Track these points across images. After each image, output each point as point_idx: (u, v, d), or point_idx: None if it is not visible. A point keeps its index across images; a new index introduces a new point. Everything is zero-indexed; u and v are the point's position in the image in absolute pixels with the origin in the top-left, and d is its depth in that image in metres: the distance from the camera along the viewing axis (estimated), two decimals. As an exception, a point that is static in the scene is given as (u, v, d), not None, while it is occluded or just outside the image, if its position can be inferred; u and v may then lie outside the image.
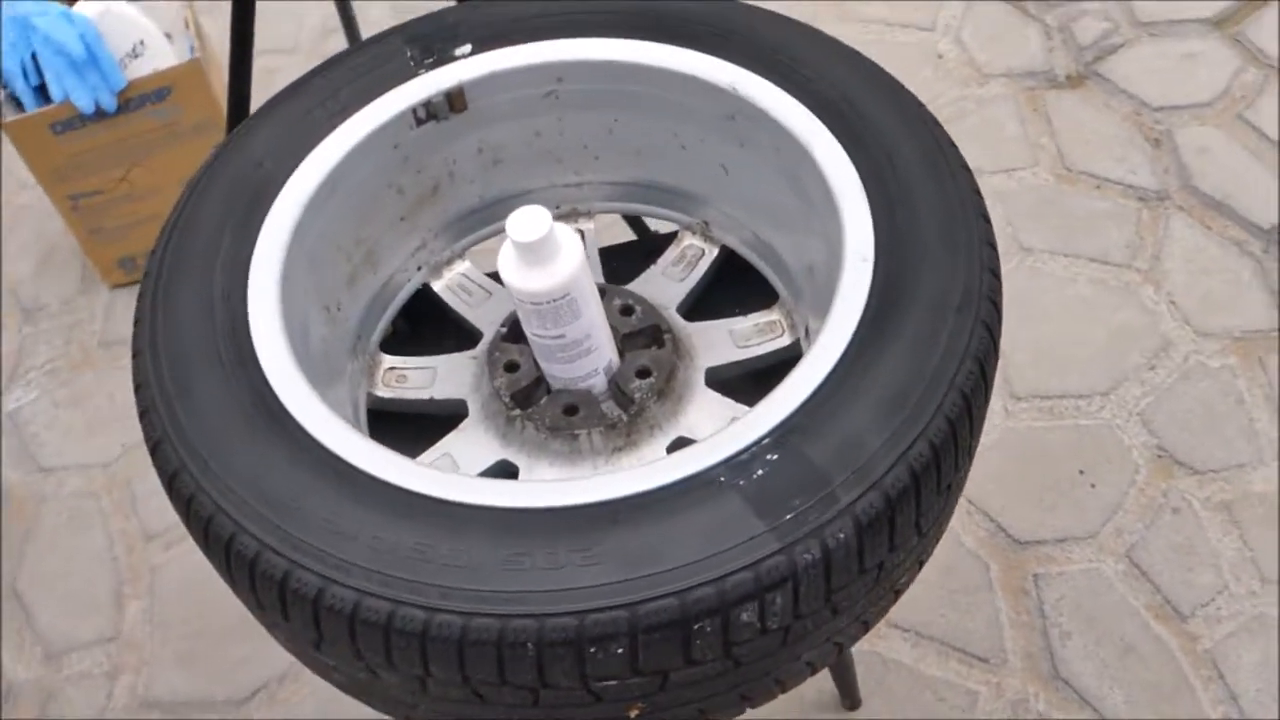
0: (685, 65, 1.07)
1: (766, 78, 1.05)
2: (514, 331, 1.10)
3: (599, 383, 1.06)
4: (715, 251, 1.19)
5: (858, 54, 1.08)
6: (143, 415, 0.90)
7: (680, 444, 1.04)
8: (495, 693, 0.79)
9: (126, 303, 2.02)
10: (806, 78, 1.04)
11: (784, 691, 0.90)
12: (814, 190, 1.01)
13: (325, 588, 0.78)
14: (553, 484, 0.84)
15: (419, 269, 1.19)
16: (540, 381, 1.07)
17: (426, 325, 1.20)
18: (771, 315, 1.14)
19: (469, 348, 1.14)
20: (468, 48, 1.11)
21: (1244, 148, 2.00)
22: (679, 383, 1.07)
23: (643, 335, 1.09)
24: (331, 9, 1.60)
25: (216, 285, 0.96)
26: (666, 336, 1.08)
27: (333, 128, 1.06)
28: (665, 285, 1.17)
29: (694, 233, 1.21)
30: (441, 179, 1.16)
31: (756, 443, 0.82)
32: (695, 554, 0.76)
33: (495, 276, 1.21)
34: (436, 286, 1.20)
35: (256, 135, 1.06)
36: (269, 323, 0.94)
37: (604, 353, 1.04)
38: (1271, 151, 1.98)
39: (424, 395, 1.12)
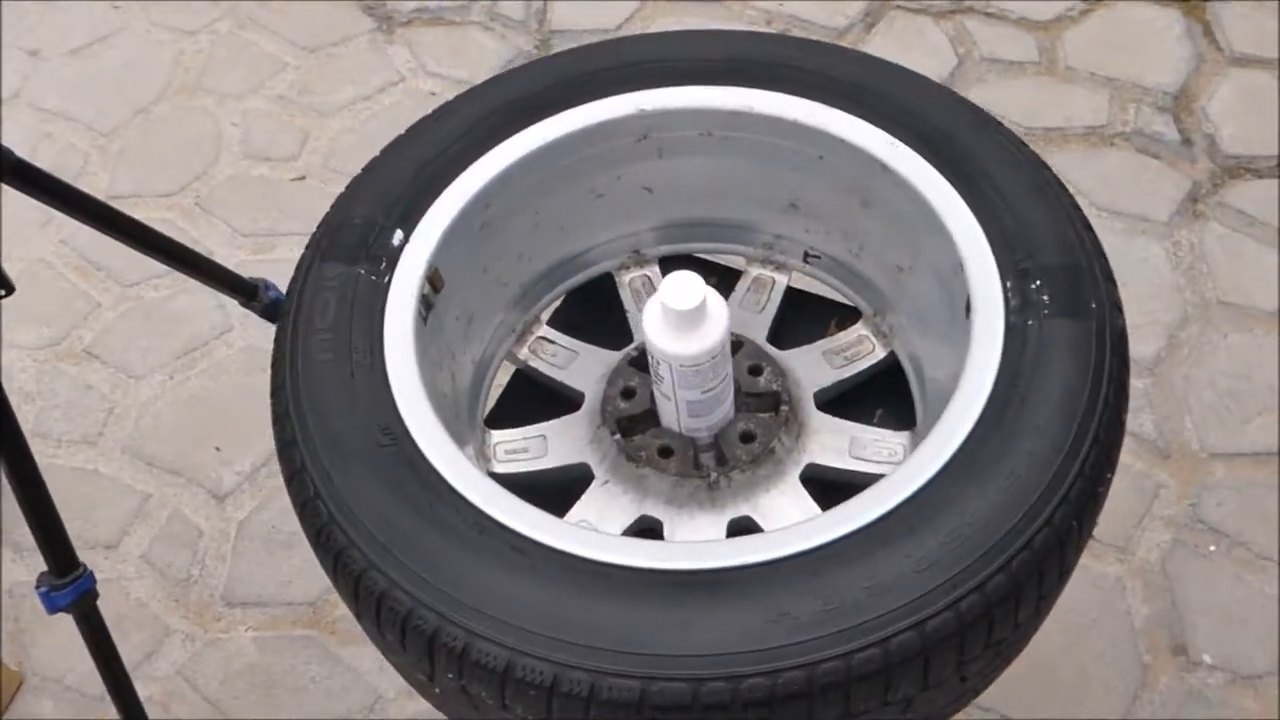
0: (591, 117, 1.10)
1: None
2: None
3: (732, 413, 1.09)
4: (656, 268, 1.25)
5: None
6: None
7: (835, 400, 1.12)
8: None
9: None
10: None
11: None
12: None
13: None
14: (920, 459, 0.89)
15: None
16: (690, 444, 1.07)
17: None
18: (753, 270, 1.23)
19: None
20: (399, 234, 1.03)
21: None
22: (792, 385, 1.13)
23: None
24: None
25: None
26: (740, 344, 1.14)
27: (379, 372, 0.95)
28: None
29: (627, 268, 1.24)
30: (449, 364, 1.08)
31: (1009, 302, 0.94)
32: (1076, 380, 0.89)
33: (493, 422, 1.15)
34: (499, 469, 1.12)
35: (333, 414, 0.91)
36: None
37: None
38: None
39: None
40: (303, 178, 2.11)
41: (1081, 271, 0.95)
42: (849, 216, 1.14)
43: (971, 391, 0.90)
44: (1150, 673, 1.52)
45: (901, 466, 0.88)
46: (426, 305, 1.02)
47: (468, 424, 1.10)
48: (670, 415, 1.06)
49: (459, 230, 1.06)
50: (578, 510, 1.07)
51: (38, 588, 1.19)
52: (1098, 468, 0.86)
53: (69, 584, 1.18)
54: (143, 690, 1.57)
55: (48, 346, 1.93)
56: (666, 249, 1.25)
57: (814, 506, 1.06)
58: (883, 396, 1.17)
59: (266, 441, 1.79)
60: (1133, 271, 1.86)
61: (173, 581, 1.67)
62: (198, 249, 2.03)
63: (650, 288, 1.23)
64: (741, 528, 1.05)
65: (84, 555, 1.67)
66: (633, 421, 1.10)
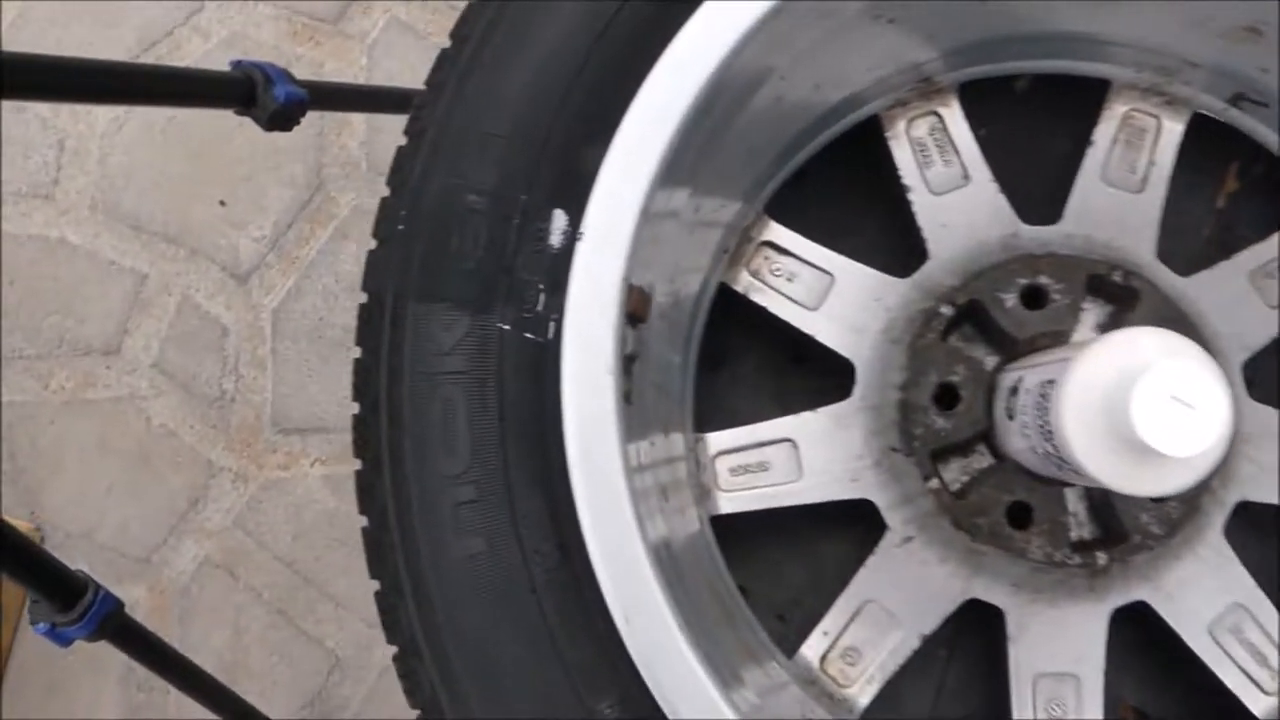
0: None
1: None
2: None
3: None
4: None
5: None
6: None
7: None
8: None
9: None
10: None
11: None
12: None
13: None
14: None
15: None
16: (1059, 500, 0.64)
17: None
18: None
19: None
20: (561, 221, 0.52)
21: None
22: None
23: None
24: None
25: None
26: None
27: (582, 571, 0.51)
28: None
29: (905, 106, 0.71)
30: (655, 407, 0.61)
31: None
32: None
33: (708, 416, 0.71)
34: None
35: (512, 692, 0.49)
36: None
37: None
38: None
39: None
40: None
41: None
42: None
43: None
44: None
45: None
46: (629, 364, 0.54)
47: (673, 425, 0.65)
48: (1028, 456, 0.62)
49: (671, 173, 0.54)
50: (861, 585, 0.67)
51: (33, 623, 0.82)
52: None
53: (80, 616, 0.81)
54: (198, 549, 1.26)
55: (-52, 46, 1.36)
56: (974, 71, 0.71)
57: (1243, 575, 0.66)
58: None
59: (285, 188, 1.32)
60: None
61: (203, 400, 1.28)
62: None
63: (944, 137, 0.72)
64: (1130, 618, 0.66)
65: (79, 364, 1.30)
66: (954, 450, 0.66)
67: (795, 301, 0.71)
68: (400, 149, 0.54)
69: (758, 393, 0.72)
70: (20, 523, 1.26)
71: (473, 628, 0.49)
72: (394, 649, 0.53)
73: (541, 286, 0.51)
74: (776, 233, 0.71)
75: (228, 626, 1.22)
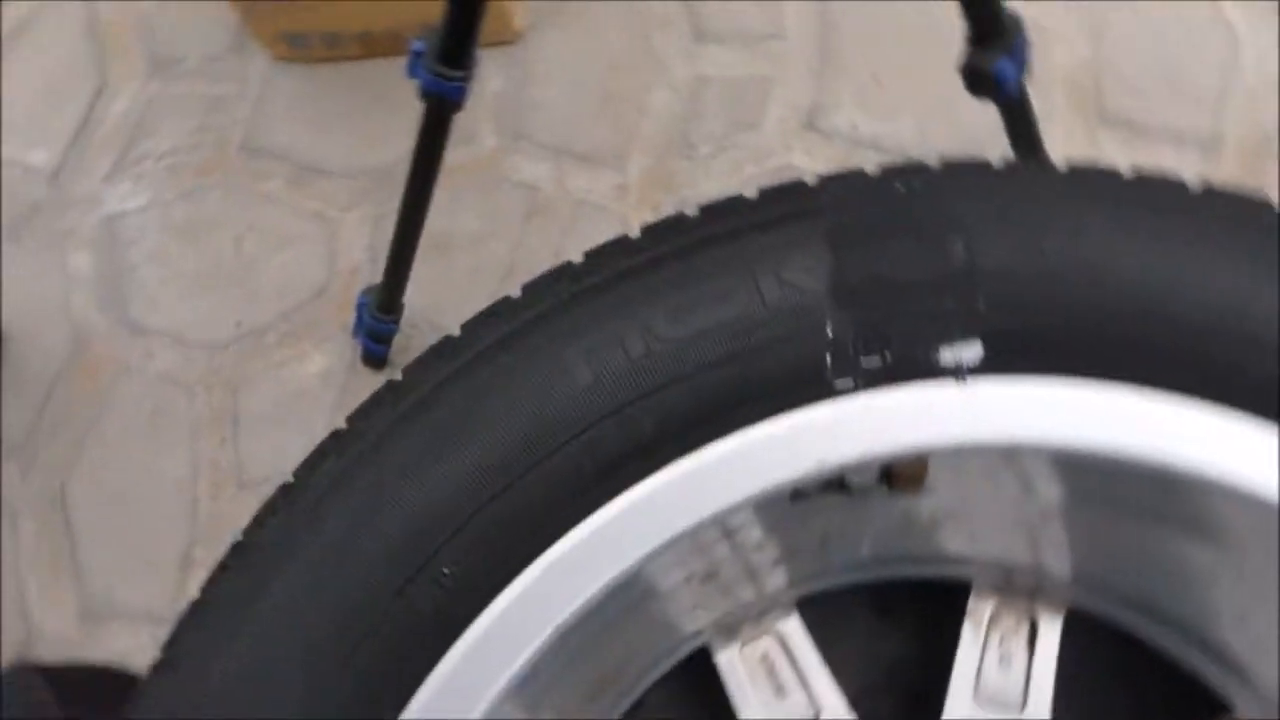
0: None
1: None
2: None
3: None
4: None
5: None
6: None
7: None
8: None
9: (289, 86, 1.43)
10: None
11: None
12: None
13: None
14: None
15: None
16: None
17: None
18: None
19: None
20: (973, 351, 0.45)
21: None
22: None
23: None
24: None
25: None
26: None
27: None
28: None
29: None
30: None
31: None
32: None
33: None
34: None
35: None
36: None
37: None
38: None
39: None
40: None
41: None
42: None
43: None
44: None
45: None
46: (834, 484, 0.46)
47: (793, 571, 0.56)
48: None
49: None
50: None
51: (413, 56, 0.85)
52: None
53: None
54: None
55: None
56: (813, 586, 0.57)
57: None
58: None
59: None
60: None
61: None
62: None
63: (785, 662, 0.57)
64: None
65: None
66: None
67: None
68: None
69: (862, 661, 0.61)
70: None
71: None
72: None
73: (885, 359, 0.44)
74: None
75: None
